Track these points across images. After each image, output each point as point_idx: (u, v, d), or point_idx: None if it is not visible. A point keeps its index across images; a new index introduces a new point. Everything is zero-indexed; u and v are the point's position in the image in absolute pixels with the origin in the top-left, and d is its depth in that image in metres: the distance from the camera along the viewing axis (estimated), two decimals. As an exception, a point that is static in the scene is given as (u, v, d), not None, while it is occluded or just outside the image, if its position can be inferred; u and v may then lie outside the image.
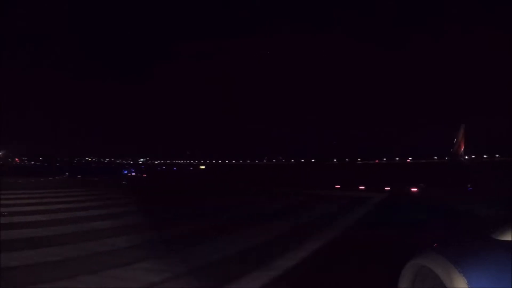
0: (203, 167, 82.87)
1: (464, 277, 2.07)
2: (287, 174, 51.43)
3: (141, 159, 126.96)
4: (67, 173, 46.63)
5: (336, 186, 26.07)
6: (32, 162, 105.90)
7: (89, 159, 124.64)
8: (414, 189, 22.15)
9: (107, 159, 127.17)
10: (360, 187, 24.69)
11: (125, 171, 59.03)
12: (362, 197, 19.55)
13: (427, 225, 10.70)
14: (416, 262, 2.47)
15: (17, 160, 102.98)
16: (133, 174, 55.01)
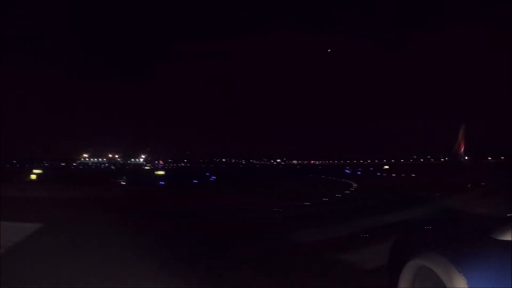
0: (387, 167, 73.82)
1: (464, 277, 2.07)
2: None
3: (278, 159, 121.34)
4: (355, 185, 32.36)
5: None
6: (182, 164, 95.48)
7: (223, 160, 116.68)
8: None
9: (243, 160, 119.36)
10: None
11: (348, 171, 56.09)
12: None
13: (427, 225, 10.70)
14: (416, 262, 2.47)
15: (161, 162, 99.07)
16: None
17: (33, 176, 34.77)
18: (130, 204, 16.02)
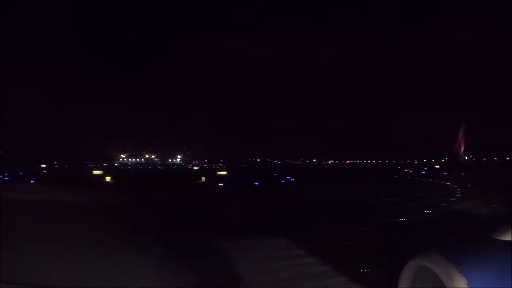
0: (437, 166, 72.19)
1: (464, 277, 2.07)
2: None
3: (314, 160, 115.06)
4: None
5: None
6: (213, 165, 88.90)
7: (258, 160, 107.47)
8: None
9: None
10: None
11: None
12: None
13: (428, 225, 10.71)
14: (416, 262, 2.47)
15: (197, 162, 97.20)
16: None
17: (107, 178, 33.94)
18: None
